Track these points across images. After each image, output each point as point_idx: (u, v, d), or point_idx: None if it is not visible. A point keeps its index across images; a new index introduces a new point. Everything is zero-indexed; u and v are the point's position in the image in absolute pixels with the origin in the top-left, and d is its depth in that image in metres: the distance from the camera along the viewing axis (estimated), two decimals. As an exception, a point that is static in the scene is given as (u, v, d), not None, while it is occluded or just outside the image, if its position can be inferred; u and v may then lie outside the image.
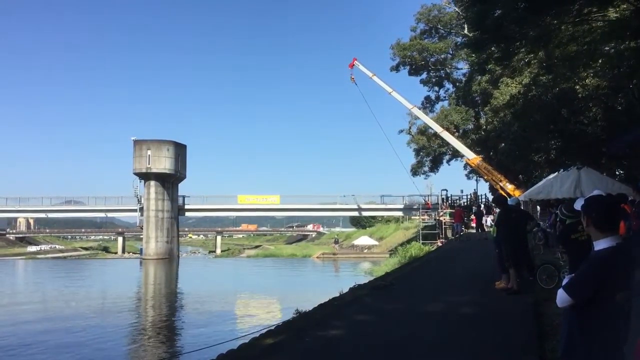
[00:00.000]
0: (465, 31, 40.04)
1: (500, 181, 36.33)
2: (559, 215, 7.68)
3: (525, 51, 19.54)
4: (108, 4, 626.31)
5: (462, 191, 50.54)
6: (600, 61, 19.82)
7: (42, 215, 73.48)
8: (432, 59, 48.26)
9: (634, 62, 17.44)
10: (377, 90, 45.38)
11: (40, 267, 56.21)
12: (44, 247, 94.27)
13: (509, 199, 12.94)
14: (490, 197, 41.22)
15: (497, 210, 13.31)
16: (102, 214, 72.80)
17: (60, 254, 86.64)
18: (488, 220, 30.56)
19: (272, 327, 8.62)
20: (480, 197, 46.62)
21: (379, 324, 7.87)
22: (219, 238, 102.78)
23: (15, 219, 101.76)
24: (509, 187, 34.74)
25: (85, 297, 27.95)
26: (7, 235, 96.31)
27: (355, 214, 75.42)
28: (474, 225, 32.58)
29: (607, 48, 18.90)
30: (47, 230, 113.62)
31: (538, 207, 22.32)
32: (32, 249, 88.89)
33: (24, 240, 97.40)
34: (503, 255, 10.03)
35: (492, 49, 18.92)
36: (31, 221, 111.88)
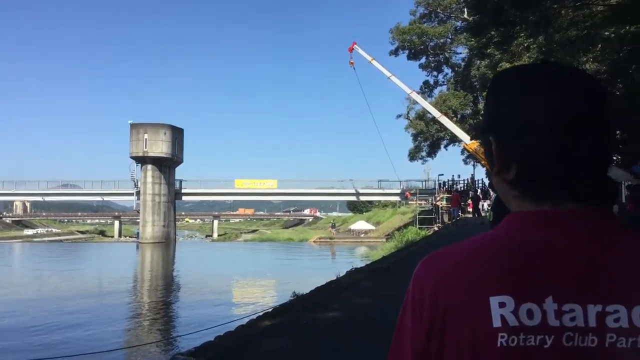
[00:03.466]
0: (465, 15, 39.76)
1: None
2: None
3: (525, 36, 19.43)
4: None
5: (459, 176, 50.48)
6: (599, 46, 19.72)
7: (39, 198, 73.38)
8: (431, 44, 47.93)
9: (634, 46, 17.35)
10: (377, 74, 45.30)
11: (37, 250, 56.21)
12: (40, 230, 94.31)
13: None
14: (487, 182, 41.25)
15: (494, 195, 13.30)
16: (98, 198, 72.85)
17: (57, 237, 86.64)
18: (485, 205, 30.66)
19: (270, 310, 8.63)
20: (477, 182, 46.71)
21: (377, 306, 7.87)
22: (215, 222, 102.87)
23: (12, 202, 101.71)
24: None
25: (81, 280, 27.94)
26: (4, 219, 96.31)
27: (353, 198, 75.49)
28: (470, 209, 32.68)
29: (606, 32, 18.80)
30: (44, 214, 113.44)
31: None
32: (28, 232, 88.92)
33: (20, 224, 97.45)
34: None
35: (492, 33, 18.80)
36: (27, 205, 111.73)
